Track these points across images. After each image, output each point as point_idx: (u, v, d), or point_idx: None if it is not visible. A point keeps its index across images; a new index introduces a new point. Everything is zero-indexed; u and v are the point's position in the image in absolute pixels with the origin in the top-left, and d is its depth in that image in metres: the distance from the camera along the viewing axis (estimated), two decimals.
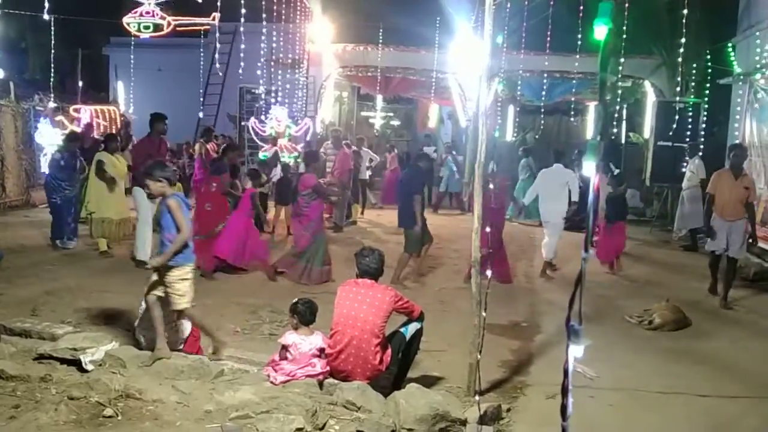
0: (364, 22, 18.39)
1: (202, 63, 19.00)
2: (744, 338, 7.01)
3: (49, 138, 13.70)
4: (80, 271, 8.61)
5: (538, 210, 10.39)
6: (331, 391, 4.54)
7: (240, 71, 15.44)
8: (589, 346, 2.14)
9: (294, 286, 8.24)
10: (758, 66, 11.58)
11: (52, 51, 17.18)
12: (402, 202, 8.92)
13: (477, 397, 4.55)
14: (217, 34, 17.11)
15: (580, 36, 13.78)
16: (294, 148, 13.93)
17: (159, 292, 4.94)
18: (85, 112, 16.17)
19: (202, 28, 19.07)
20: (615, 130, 17.65)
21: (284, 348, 4.72)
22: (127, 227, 9.67)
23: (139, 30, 18.31)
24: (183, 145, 16.85)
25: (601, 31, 2.26)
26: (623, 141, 18.21)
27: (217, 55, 17.61)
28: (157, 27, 18.36)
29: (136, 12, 18.22)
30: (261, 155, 13.77)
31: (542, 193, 9.73)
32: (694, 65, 14.22)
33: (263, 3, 14.84)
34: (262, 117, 14.86)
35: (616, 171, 10.84)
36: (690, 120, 13.86)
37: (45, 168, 11.68)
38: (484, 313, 4.81)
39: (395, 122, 26.78)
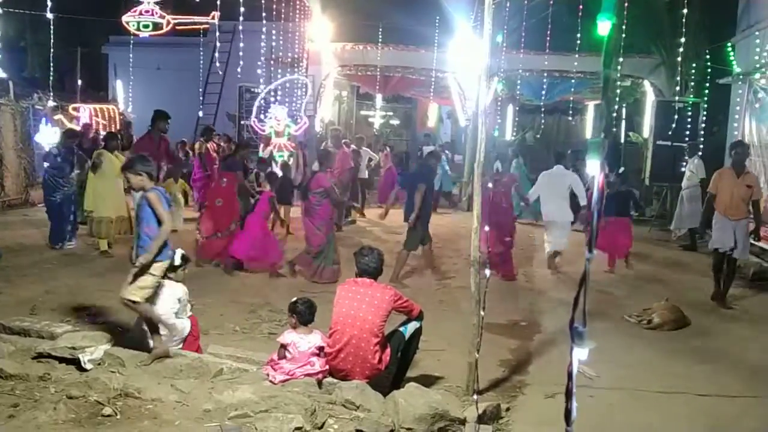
0: (364, 21, 18.39)
1: (201, 62, 18.98)
2: (744, 338, 7.01)
3: (48, 137, 13.68)
4: (80, 270, 8.61)
5: (537, 209, 10.44)
6: (330, 390, 4.54)
7: (239, 70, 15.42)
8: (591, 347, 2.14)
9: (293, 285, 8.24)
10: (758, 66, 11.58)
11: (52, 50, 17.12)
12: (408, 197, 8.92)
13: (475, 397, 4.55)
14: (217, 33, 17.11)
15: (579, 35, 13.78)
16: (287, 146, 13.91)
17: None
18: (84, 111, 16.15)
19: (201, 27, 19.08)
20: (614, 130, 17.65)
21: (283, 347, 4.71)
22: (124, 225, 9.66)
23: (138, 29, 18.31)
24: (178, 144, 16.82)
25: (604, 26, 2.22)
26: (622, 140, 18.22)
27: (217, 54, 17.61)
28: (157, 26, 18.36)
29: (135, 11, 18.22)
30: (276, 154, 13.79)
31: (544, 194, 9.76)
32: (694, 65, 14.22)
33: (263, 2, 14.85)
34: (262, 116, 14.85)
35: (621, 169, 10.88)
36: (689, 119, 13.86)
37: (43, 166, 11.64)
38: (482, 313, 4.81)
39: (394, 121, 26.80)
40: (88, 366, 4.70)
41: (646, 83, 16.37)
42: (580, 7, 12.96)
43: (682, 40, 12.93)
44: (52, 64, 17.38)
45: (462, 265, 9.38)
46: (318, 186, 8.61)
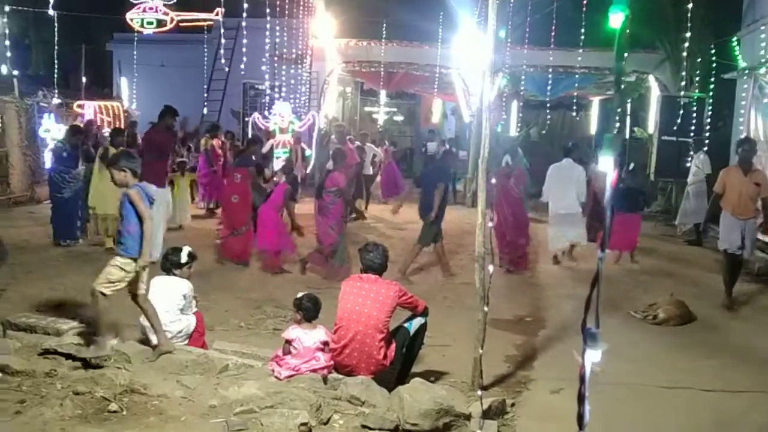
0: (367, 17, 18.39)
1: (205, 59, 19.00)
2: (749, 333, 7.00)
3: (52, 134, 13.70)
4: (85, 267, 8.60)
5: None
6: (335, 385, 4.54)
7: (242, 66, 15.43)
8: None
9: (297, 281, 8.24)
10: (763, 60, 11.53)
11: (56, 47, 17.20)
12: (424, 194, 8.92)
13: (479, 392, 4.55)
14: (222, 30, 17.12)
15: (583, 31, 13.74)
16: (289, 143, 13.91)
17: (140, 289, 4.91)
18: (88, 108, 16.18)
19: (205, 23, 19.11)
20: (618, 125, 17.61)
21: (288, 342, 4.72)
22: None
23: (142, 26, 18.37)
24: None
25: (617, 18, 2.17)
26: (627, 136, 18.18)
27: (222, 51, 17.63)
28: (161, 23, 18.42)
29: (139, 8, 18.27)
30: (275, 152, 13.82)
31: (554, 187, 9.80)
32: (699, 60, 14.18)
33: None
34: (266, 112, 14.86)
35: (631, 165, 10.88)
36: (694, 115, 13.82)
37: (48, 164, 11.66)
38: (486, 309, 4.81)
39: (398, 117, 26.78)
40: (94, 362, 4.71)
41: (651, 78, 16.33)
42: (584, 2, 12.93)
43: (687, 35, 12.88)
44: (56, 62, 17.46)
45: (467, 261, 9.38)
46: (333, 185, 8.58)
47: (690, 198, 11.90)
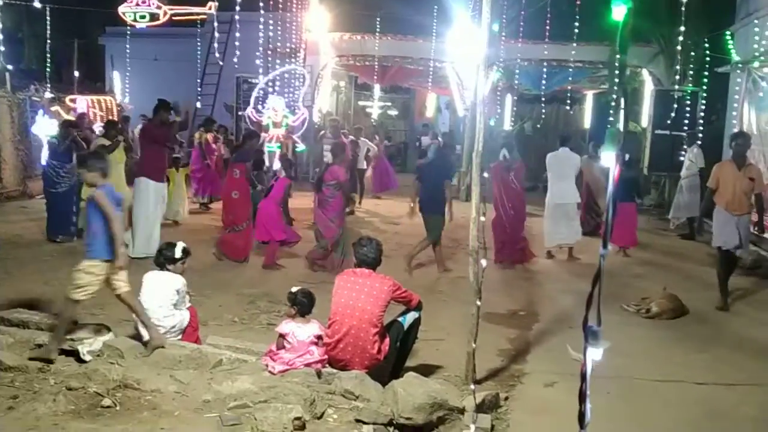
0: (362, 10, 18.32)
1: (198, 53, 18.91)
2: (741, 326, 7.03)
3: (45, 128, 13.63)
4: (78, 262, 8.57)
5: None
6: (329, 380, 4.55)
7: (236, 60, 15.36)
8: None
9: (290, 276, 8.24)
10: (757, 54, 11.55)
11: (48, 41, 17.10)
12: (428, 189, 8.83)
13: (473, 386, 4.56)
14: (215, 24, 17.04)
15: (577, 25, 13.73)
16: (281, 138, 13.88)
17: (121, 288, 4.89)
18: (81, 102, 16.10)
19: (198, 17, 19.03)
20: (611, 119, 17.61)
21: (282, 337, 4.72)
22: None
23: (135, 19, 18.29)
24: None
25: (619, 10, 2.14)
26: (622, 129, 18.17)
27: (215, 45, 17.55)
28: (153, 16, 18.35)
29: (132, 1, 18.20)
30: (267, 146, 13.76)
31: (552, 175, 9.82)
32: (692, 53, 14.17)
33: None
34: (259, 107, 14.81)
35: (627, 156, 10.92)
36: (688, 108, 13.86)
37: (42, 159, 11.60)
38: (479, 303, 4.82)
39: (393, 112, 26.72)
40: (87, 357, 4.70)
41: (645, 72, 16.35)
42: None
43: (681, 28, 12.87)
44: (48, 56, 17.36)
45: (461, 255, 9.38)
46: (332, 178, 8.57)
47: (683, 192, 11.92)
